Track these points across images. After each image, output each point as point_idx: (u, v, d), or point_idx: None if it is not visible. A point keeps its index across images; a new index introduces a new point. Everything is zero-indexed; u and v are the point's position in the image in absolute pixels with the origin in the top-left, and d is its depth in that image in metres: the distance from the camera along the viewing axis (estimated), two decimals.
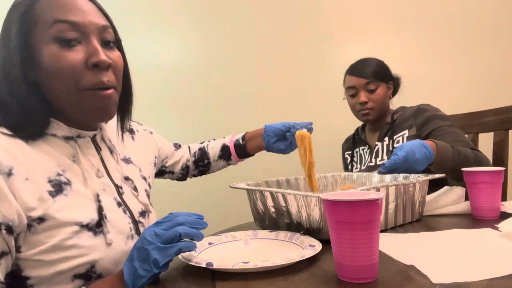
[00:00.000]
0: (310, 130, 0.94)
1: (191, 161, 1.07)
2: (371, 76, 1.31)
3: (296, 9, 1.99)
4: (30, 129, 0.59)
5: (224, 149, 1.04)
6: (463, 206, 0.96)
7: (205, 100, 2.17)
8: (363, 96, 1.31)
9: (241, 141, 1.03)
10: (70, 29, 0.58)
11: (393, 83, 1.38)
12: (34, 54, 0.59)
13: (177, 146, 1.05)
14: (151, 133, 0.93)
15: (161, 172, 1.01)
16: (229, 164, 1.07)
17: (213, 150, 1.05)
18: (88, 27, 0.59)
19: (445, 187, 1.03)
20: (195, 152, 1.07)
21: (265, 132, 1.00)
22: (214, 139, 1.08)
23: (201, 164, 1.06)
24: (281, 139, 0.99)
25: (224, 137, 1.07)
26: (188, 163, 1.06)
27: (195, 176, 1.10)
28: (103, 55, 0.59)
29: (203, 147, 1.07)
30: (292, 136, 0.95)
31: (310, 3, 1.97)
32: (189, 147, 1.09)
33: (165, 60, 1.98)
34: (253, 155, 1.05)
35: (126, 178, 0.71)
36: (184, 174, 1.07)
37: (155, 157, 0.90)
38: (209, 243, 0.78)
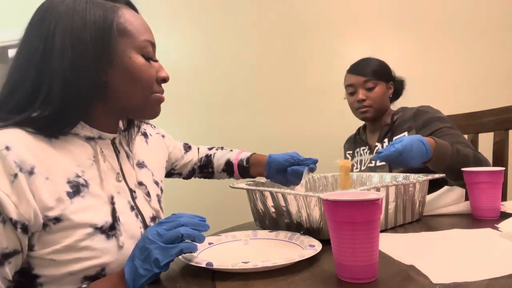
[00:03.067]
0: (312, 169, 0.93)
1: (197, 165, 1.08)
2: (369, 74, 1.31)
3: (296, 9, 1.99)
4: (59, 126, 0.60)
5: (228, 165, 1.04)
6: (463, 206, 0.96)
7: (204, 101, 2.17)
8: (361, 94, 1.31)
9: (245, 163, 1.02)
10: (153, 49, 0.68)
11: (395, 84, 1.38)
12: (115, 59, 0.62)
13: (187, 148, 1.05)
14: (163, 136, 0.94)
15: (170, 174, 1.03)
16: (231, 178, 1.08)
17: (218, 162, 1.06)
18: (155, 47, 0.69)
19: (445, 187, 1.03)
20: (201, 158, 1.08)
21: (268, 164, 0.98)
22: (222, 148, 1.09)
23: (205, 171, 1.08)
24: (283, 173, 0.96)
25: (231, 150, 1.07)
26: (195, 166, 1.07)
27: (198, 177, 1.12)
28: (166, 72, 0.70)
29: (210, 155, 1.07)
30: (292, 176, 0.93)
31: (311, 4, 1.97)
32: (198, 148, 1.10)
33: (163, 61, 1.98)
34: (255, 177, 1.06)
35: (140, 183, 0.72)
36: (189, 175, 1.09)
37: (166, 162, 0.91)
38: (209, 243, 0.78)
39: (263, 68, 2.07)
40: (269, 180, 1.02)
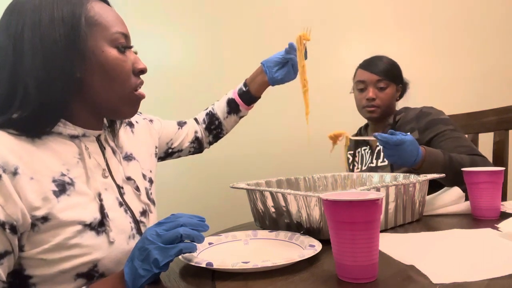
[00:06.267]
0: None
1: (201, 129, 1.06)
2: (383, 74, 1.29)
3: (298, 8, 1.99)
4: (40, 126, 0.59)
5: (230, 103, 1.03)
6: (463, 206, 0.96)
7: (205, 100, 2.16)
8: (371, 92, 1.30)
9: (243, 88, 1.02)
10: (126, 40, 0.66)
11: (402, 87, 1.37)
12: (87, 54, 0.61)
13: (182, 124, 1.04)
14: (151, 121, 0.92)
15: (170, 154, 1.01)
16: (241, 117, 1.06)
17: (220, 108, 1.05)
18: (129, 39, 0.68)
19: (445, 187, 1.03)
20: (203, 119, 1.07)
21: (264, 65, 1.00)
22: (218, 100, 1.08)
23: (213, 128, 1.06)
24: (282, 67, 0.99)
25: (226, 94, 1.07)
26: (197, 135, 1.05)
27: (211, 143, 1.10)
28: (143, 63, 0.68)
29: (210, 110, 1.07)
30: (290, 53, 0.95)
31: (313, 3, 1.97)
32: (195, 118, 1.08)
33: (166, 60, 1.98)
34: (259, 97, 1.05)
35: (128, 178, 0.71)
36: (197, 147, 1.06)
37: (156, 147, 0.89)
38: (209, 243, 0.78)
39: None
40: (270, 182, 1.01)
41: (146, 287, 0.57)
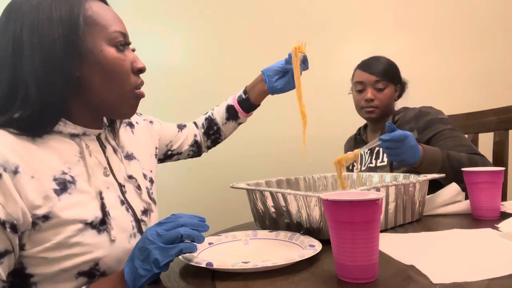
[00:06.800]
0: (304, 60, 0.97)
1: (200, 134, 1.06)
2: (381, 74, 1.29)
3: (298, 8, 1.99)
4: (41, 125, 0.59)
5: (230, 109, 1.03)
6: (463, 206, 0.96)
7: (207, 101, 2.16)
8: (369, 93, 1.30)
9: (243, 95, 1.02)
10: (124, 39, 0.66)
11: (400, 87, 1.37)
12: (86, 54, 0.61)
13: (182, 127, 1.04)
14: (151, 122, 0.92)
15: (169, 156, 1.01)
16: (239, 124, 1.06)
17: (219, 114, 1.05)
18: (128, 38, 0.68)
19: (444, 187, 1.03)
20: (202, 124, 1.07)
21: (264, 74, 1.00)
22: (217, 106, 1.08)
23: (211, 133, 1.06)
24: (282, 76, 0.99)
25: (226, 100, 1.07)
26: (196, 138, 1.05)
27: (209, 147, 1.10)
28: (141, 62, 0.69)
29: (209, 115, 1.07)
30: (290, 63, 0.96)
31: (313, 3, 1.97)
32: (195, 122, 1.09)
33: (166, 60, 1.98)
34: (258, 105, 1.05)
35: (130, 177, 0.72)
36: (196, 151, 1.07)
37: (156, 148, 0.89)
38: (209, 243, 0.78)
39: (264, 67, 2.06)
40: (270, 182, 1.01)
41: (146, 287, 0.57)
